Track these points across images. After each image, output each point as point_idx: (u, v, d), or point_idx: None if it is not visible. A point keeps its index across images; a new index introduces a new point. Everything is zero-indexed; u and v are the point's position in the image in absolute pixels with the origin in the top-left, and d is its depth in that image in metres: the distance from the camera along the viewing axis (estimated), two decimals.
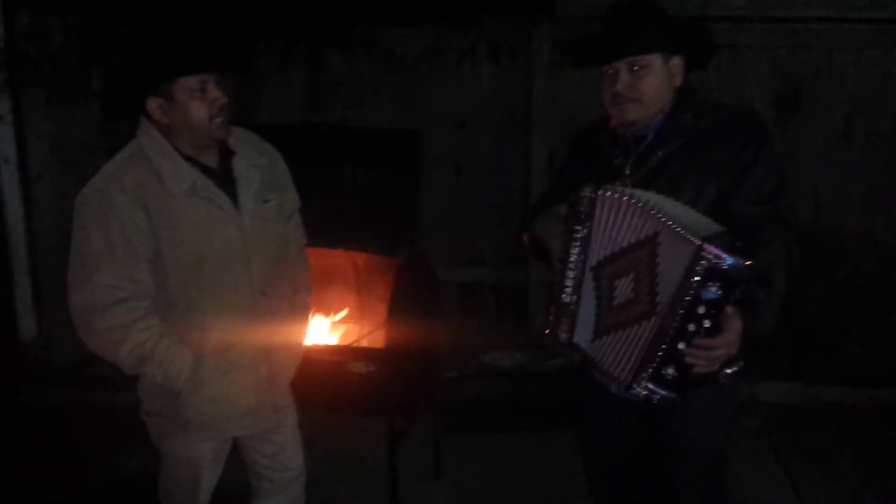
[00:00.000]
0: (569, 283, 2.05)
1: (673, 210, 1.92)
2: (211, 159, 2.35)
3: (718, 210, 2.01)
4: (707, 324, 1.84)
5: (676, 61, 2.15)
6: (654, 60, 2.10)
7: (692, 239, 1.80)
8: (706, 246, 1.78)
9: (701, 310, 1.83)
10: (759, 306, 1.93)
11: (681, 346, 1.87)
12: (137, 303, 2.23)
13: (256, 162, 2.43)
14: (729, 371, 2.08)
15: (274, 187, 2.48)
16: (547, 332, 2.12)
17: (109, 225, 2.18)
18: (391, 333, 3.18)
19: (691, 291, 1.81)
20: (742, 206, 2.04)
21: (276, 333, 2.47)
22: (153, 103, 2.22)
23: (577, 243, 2.01)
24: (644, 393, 1.94)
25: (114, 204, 2.18)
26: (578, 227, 2.01)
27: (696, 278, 1.80)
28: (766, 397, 4.56)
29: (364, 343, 3.45)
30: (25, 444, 4.12)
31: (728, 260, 1.77)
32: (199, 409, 2.39)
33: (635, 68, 2.09)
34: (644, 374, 1.92)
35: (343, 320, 3.70)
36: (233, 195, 2.34)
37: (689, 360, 1.88)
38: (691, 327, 1.84)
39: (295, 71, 5.33)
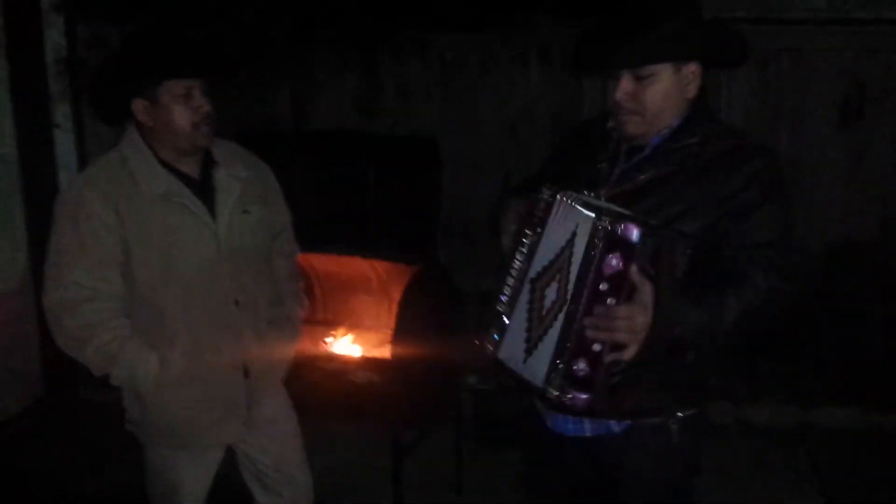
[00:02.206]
0: (506, 291, 1.88)
1: (613, 208, 1.76)
2: (191, 168, 2.36)
3: (703, 250, 1.78)
4: (612, 302, 1.68)
5: (692, 68, 1.87)
6: (663, 69, 1.83)
7: (589, 213, 1.69)
8: (602, 215, 1.66)
9: (604, 286, 1.67)
10: (689, 298, 1.74)
11: (589, 333, 1.71)
12: (106, 303, 2.27)
13: (239, 174, 2.43)
14: (681, 415, 1.96)
15: (257, 200, 2.48)
16: (476, 342, 1.95)
17: (80, 224, 2.23)
18: (399, 343, 3.15)
19: (592, 266, 1.67)
20: (734, 250, 1.84)
21: (251, 345, 2.45)
22: (138, 104, 2.24)
23: (524, 249, 1.84)
24: (555, 393, 1.75)
25: (86, 204, 2.23)
26: (528, 232, 1.83)
27: (596, 251, 1.66)
28: (819, 422, 4.32)
29: (374, 352, 3.43)
30: (78, 439, 4.28)
31: (623, 225, 1.64)
32: (160, 415, 2.40)
33: (640, 76, 1.84)
34: (555, 373, 1.74)
35: (358, 329, 3.69)
36: (211, 204, 2.36)
37: (588, 333, 1.69)
38: (598, 310, 1.69)
39: (347, 77, 5.38)
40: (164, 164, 2.31)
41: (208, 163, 2.40)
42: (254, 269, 2.46)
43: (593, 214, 1.68)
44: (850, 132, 4.71)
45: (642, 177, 1.90)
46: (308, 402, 3.10)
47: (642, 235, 1.63)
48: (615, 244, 1.65)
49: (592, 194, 1.87)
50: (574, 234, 1.73)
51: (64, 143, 4.73)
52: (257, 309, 2.48)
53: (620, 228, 1.64)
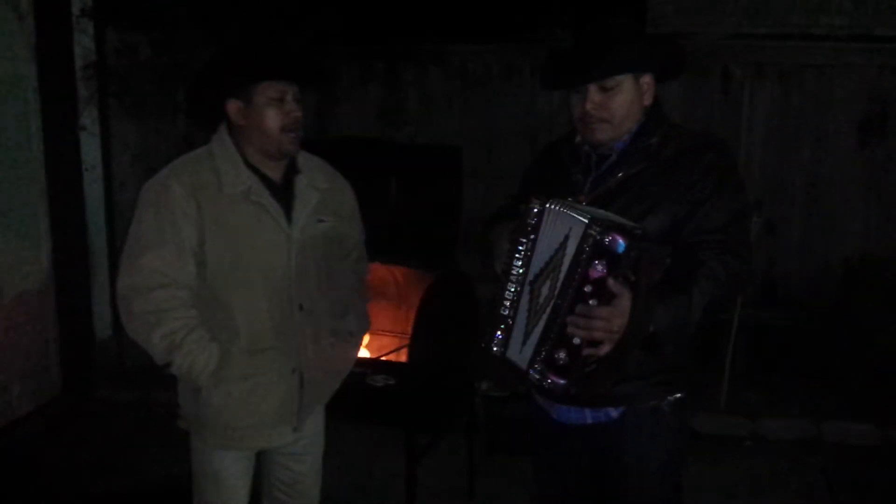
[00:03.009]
0: (508, 296, 2.01)
1: (601, 215, 1.92)
2: (275, 172, 2.40)
3: (670, 238, 1.98)
4: (594, 303, 1.84)
5: (647, 79, 2.10)
6: (625, 80, 2.06)
7: (583, 219, 1.85)
8: (593, 224, 1.83)
9: (588, 289, 1.84)
10: (660, 299, 1.88)
11: (570, 329, 1.88)
12: (177, 291, 2.30)
13: (319, 184, 2.48)
14: (671, 398, 2.12)
15: (332, 212, 2.51)
16: (482, 345, 2.08)
17: (161, 211, 2.28)
18: (417, 348, 3.17)
19: (579, 269, 1.84)
20: (691, 235, 2.01)
21: (310, 351, 2.46)
22: (233, 105, 2.32)
23: (520, 256, 1.99)
24: (536, 377, 1.93)
25: (169, 192, 2.28)
26: (523, 240, 1.99)
27: (584, 256, 1.83)
28: (832, 437, 4.30)
29: (391, 357, 3.45)
30: (94, 437, 4.34)
31: (611, 237, 1.79)
32: (214, 410, 2.40)
33: (606, 88, 2.05)
34: (538, 358, 1.93)
35: (376, 333, 3.71)
36: (289, 209, 2.40)
37: (569, 329, 1.86)
38: (580, 308, 1.85)
39: (370, 87, 5.44)
40: (250, 165, 2.36)
41: (291, 170, 2.44)
42: (321, 278, 2.48)
43: (586, 220, 1.85)
44: (871, 149, 4.71)
45: (612, 180, 2.09)
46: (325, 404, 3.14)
47: (627, 248, 1.78)
48: (602, 252, 1.81)
49: (572, 200, 2.05)
50: (567, 238, 1.89)
51: (89, 146, 4.82)
52: (320, 317, 2.49)
53: (608, 239, 1.80)
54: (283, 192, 2.40)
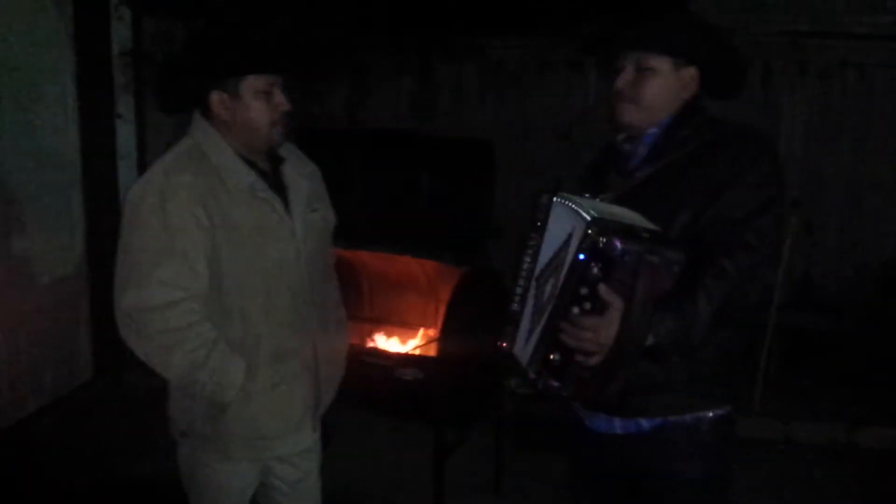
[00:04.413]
0: (518, 291, 1.97)
1: (613, 210, 1.83)
2: (264, 164, 2.27)
3: (691, 230, 1.88)
4: (588, 306, 1.73)
5: (691, 72, 1.98)
6: (663, 64, 1.96)
7: (585, 216, 1.74)
8: (593, 224, 1.71)
9: (584, 291, 1.73)
10: (662, 308, 1.75)
11: (562, 335, 1.79)
12: (193, 304, 2.12)
13: (303, 171, 2.36)
14: (711, 414, 1.98)
15: (319, 198, 2.41)
16: (497, 342, 2.02)
17: (170, 219, 2.09)
18: (446, 343, 3.16)
19: (577, 271, 1.73)
20: (709, 224, 1.87)
21: (322, 346, 2.35)
22: (216, 97, 2.13)
23: (530, 251, 1.95)
24: (534, 376, 1.83)
25: (174, 197, 2.09)
26: (533, 234, 1.94)
27: (582, 256, 1.72)
28: (866, 442, 4.23)
29: (420, 350, 3.44)
30: (124, 422, 4.36)
31: (606, 239, 1.68)
32: (247, 424, 2.25)
33: (641, 68, 1.96)
34: (536, 357, 1.83)
35: (405, 327, 3.71)
36: (284, 201, 2.26)
37: (562, 336, 1.76)
38: (575, 310, 1.74)
39: (403, 80, 5.42)
40: (244, 159, 2.21)
41: (275, 159, 2.30)
42: (321, 270, 2.39)
43: (588, 219, 1.74)
44: None
45: (639, 175, 2.00)
46: (353, 397, 3.13)
47: (622, 252, 1.67)
48: (598, 255, 1.71)
49: (589, 195, 1.96)
50: (570, 235, 1.80)
51: (125, 133, 4.85)
52: (327, 310, 2.41)
53: (603, 241, 1.68)
54: (277, 184, 2.27)
